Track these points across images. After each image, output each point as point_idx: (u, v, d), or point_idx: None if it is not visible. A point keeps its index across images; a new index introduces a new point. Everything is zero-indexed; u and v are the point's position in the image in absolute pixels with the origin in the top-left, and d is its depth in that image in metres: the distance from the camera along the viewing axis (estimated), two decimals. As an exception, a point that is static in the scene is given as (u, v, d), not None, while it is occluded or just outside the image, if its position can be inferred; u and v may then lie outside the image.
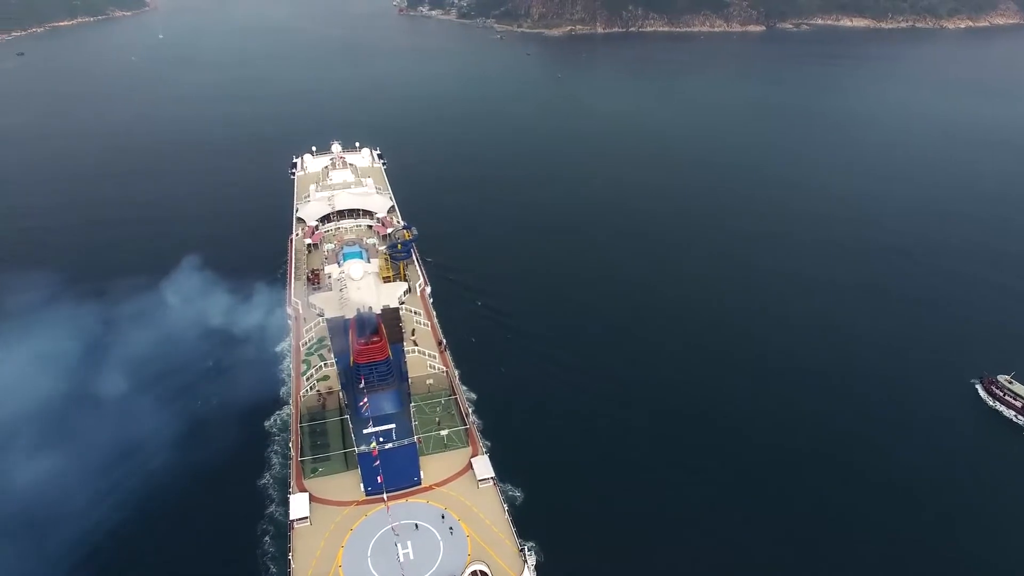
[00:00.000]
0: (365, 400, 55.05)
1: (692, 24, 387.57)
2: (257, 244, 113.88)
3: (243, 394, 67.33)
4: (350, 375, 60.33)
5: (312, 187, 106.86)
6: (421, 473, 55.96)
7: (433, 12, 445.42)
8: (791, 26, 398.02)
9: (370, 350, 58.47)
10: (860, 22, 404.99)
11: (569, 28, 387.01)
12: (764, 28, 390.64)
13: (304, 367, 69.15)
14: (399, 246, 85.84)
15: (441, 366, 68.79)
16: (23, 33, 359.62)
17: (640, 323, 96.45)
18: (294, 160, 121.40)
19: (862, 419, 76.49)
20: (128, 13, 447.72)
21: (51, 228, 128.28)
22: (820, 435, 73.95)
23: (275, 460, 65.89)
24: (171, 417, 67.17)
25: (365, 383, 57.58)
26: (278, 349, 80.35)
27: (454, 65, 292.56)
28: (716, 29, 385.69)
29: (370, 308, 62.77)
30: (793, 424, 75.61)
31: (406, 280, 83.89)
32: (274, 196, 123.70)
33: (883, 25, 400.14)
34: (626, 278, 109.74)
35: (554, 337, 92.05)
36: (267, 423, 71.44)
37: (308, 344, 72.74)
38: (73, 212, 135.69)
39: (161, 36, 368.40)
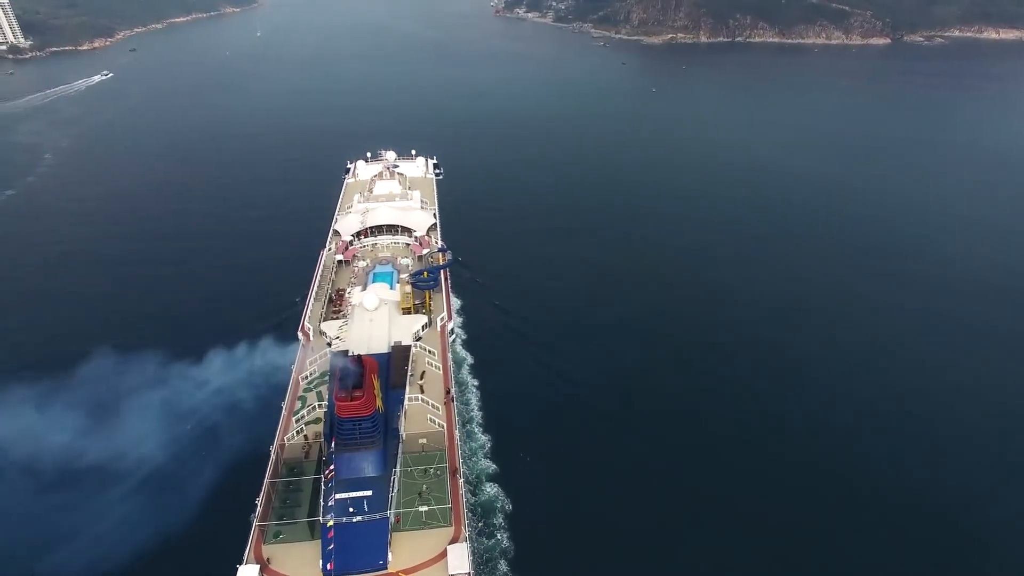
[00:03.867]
0: (331, 469, 48.04)
1: (806, 35, 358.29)
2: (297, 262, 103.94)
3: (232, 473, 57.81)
4: (334, 426, 53.77)
5: (356, 197, 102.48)
6: (390, 555, 48.24)
7: (529, 15, 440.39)
8: (922, 39, 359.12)
9: (352, 406, 51.59)
10: (1009, 34, 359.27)
11: (670, 36, 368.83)
12: (889, 41, 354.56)
13: (298, 404, 63.32)
14: (425, 273, 79.04)
15: (443, 422, 60.70)
16: (143, 29, 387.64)
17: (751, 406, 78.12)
18: (348, 165, 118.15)
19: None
20: (238, 9, 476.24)
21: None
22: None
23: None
24: (144, 499, 59.01)
25: (338, 443, 50.68)
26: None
27: (542, 72, 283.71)
28: (833, 42, 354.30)
29: (357, 357, 55.64)
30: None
31: (430, 312, 76.54)
32: (327, 203, 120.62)
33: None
34: (723, 347, 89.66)
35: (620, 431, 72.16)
36: (252, 516, 54.24)
37: (309, 378, 66.96)
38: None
39: (259, 34, 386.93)
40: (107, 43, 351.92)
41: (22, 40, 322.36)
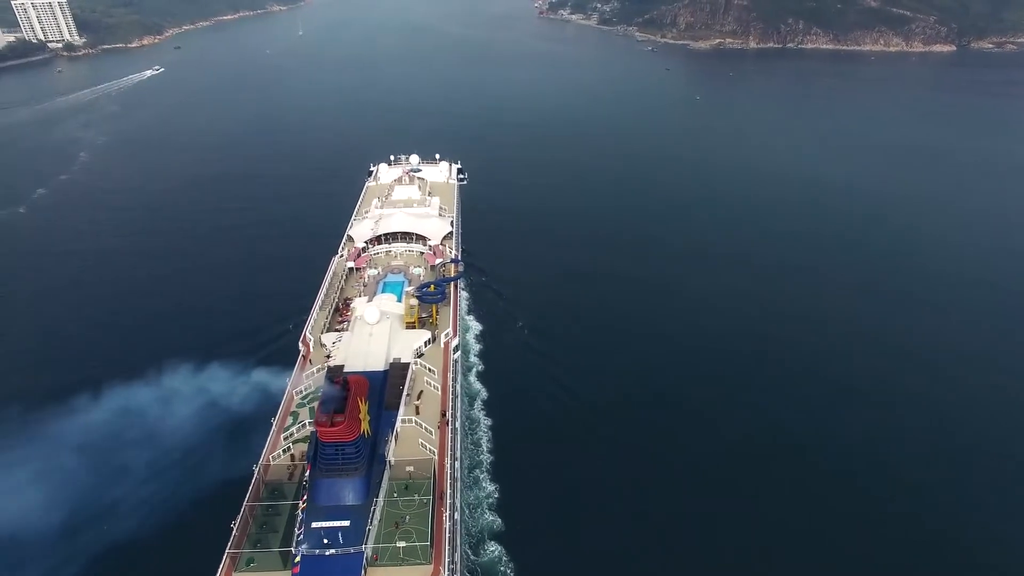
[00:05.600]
0: (304, 498, 44.98)
1: (862, 42, 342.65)
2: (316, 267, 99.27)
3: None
4: (317, 449, 50.76)
5: (375, 201, 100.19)
6: (363, 593, 44.89)
7: (573, 16, 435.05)
8: (991, 46, 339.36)
9: (332, 432, 48.42)
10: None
11: (718, 41, 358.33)
12: (954, 48, 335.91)
13: (289, 420, 60.58)
14: (432, 287, 75.62)
15: (435, 448, 57.02)
16: (192, 27, 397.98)
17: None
18: (371, 168, 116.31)
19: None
20: (284, 8, 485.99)
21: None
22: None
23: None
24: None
25: (316, 468, 47.63)
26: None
27: (581, 76, 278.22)
28: (891, 49, 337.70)
29: (343, 378, 52.45)
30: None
31: (435, 327, 72.95)
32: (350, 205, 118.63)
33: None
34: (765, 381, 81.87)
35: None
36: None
37: (304, 392, 64.22)
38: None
39: (301, 32, 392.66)
40: (156, 40, 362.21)
41: (76, 38, 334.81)
